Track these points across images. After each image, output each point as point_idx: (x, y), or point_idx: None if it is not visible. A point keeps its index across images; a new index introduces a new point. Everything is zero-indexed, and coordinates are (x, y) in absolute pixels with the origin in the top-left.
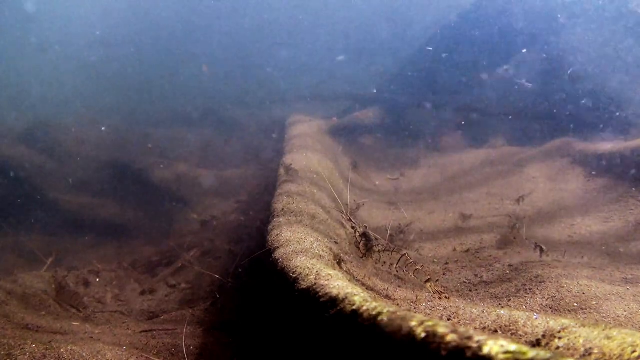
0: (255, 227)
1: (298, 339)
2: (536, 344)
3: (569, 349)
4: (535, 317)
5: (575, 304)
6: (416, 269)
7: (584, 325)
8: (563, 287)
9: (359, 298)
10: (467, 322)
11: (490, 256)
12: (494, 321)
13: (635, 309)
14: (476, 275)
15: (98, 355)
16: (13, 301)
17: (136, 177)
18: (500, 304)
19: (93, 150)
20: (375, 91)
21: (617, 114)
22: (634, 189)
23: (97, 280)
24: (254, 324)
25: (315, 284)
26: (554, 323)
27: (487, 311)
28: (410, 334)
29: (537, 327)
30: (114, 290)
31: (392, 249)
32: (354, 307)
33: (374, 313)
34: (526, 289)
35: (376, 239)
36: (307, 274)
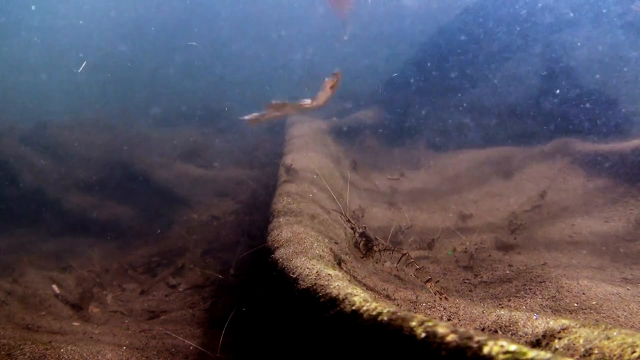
0: (256, 227)
1: (298, 339)
2: (536, 344)
3: (569, 349)
4: (535, 317)
5: (575, 304)
6: (417, 269)
7: (584, 326)
8: (563, 287)
9: (359, 298)
10: (467, 322)
11: (490, 256)
12: (494, 321)
13: (635, 309)
14: (476, 275)
15: (98, 355)
16: (13, 301)
17: (136, 177)
18: (500, 304)
19: (93, 150)
20: (375, 90)
21: (618, 113)
22: (634, 189)
23: (97, 280)
24: (254, 324)
25: (315, 284)
26: (554, 323)
27: (487, 311)
28: (411, 334)
29: (537, 327)
30: (114, 290)
31: (392, 249)
32: (353, 308)
33: (374, 313)
34: (526, 289)
35: (375, 239)
36: (307, 274)
